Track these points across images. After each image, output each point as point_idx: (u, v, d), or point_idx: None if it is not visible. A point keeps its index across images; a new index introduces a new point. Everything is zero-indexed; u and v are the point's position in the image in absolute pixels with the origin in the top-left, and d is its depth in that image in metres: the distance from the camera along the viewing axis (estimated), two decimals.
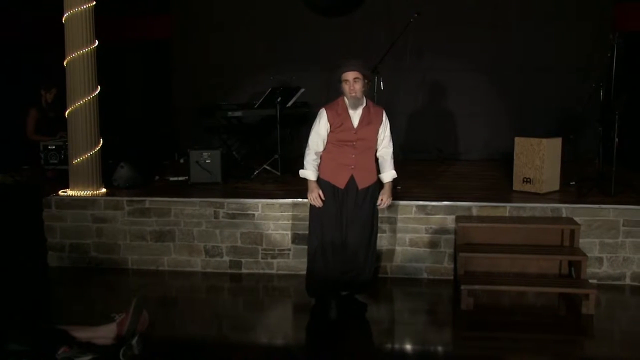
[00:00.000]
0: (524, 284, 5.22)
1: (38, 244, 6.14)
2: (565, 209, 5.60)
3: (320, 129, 4.67)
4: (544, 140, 6.04)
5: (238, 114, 7.55)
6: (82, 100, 6.01)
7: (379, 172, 4.83)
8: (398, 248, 5.75)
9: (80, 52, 5.95)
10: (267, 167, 7.16)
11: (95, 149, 6.16)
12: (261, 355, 4.33)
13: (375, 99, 6.19)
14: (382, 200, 4.74)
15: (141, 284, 5.75)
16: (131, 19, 9.36)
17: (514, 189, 6.27)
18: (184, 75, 9.27)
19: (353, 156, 4.67)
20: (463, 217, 5.60)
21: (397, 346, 4.47)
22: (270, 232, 5.86)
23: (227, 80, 9.00)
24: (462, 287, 4.98)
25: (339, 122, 4.64)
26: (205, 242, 5.94)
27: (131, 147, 7.82)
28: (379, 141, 4.74)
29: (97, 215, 6.04)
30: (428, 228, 5.71)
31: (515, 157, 6.25)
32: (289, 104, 7.28)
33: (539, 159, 6.06)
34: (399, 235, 5.73)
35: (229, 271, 5.93)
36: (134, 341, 3.99)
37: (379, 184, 4.81)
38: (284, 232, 5.83)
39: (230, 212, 5.90)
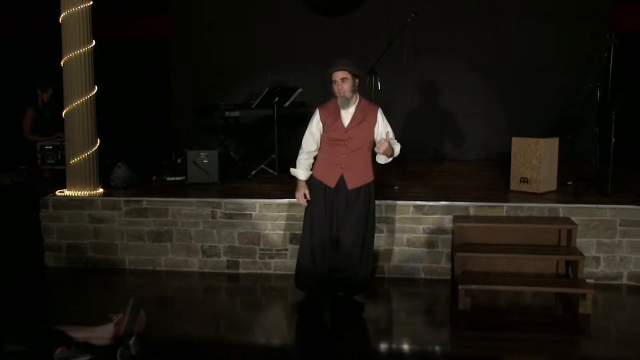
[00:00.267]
0: (521, 284, 5.23)
1: (35, 244, 6.13)
2: (562, 209, 5.61)
3: (313, 128, 4.76)
4: (541, 140, 6.05)
5: (236, 114, 7.55)
6: (79, 100, 6.00)
7: (375, 172, 4.85)
8: (395, 248, 5.75)
9: (77, 52, 5.94)
10: (265, 167, 7.16)
11: (92, 149, 6.15)
12: (259, 355, 4.33)
13: (373, 98, 6.20)
14: (382, 142, 4.61)
15: (138, 284, 5.75)
16: (129, 18, 9.36)
17: (511, 188, 6.28)
18: (182, 75, 9.27)
19: (344, 155, 4.70)
20: (460, 217, 5.61)
21: (394, 346, 4.47)
22: (267, 232, 5.86)
23: (225, 80, 8.99)
24: (460, 287, 4.98)
25: (330, 122, 4.69)
26: (203, 242, 5.94)
27: (128, 147, 7.81)
28: (377, 139, 4.74)
29: (95, 215, 6.04)
30: (425, 228, 5.71)
31: (512, 157, 6.26)
32: (287, 104, 7.28)
33: (536, 158, 6.07)
34: (396, 235, 5.74)
35: (227, 271, 5.93)
36: (131, 341, 3.99)
37: (373, 187, 4.82)
38: (282, 232, 5.84)
39: (227, 212, 5.89)
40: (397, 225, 5.73)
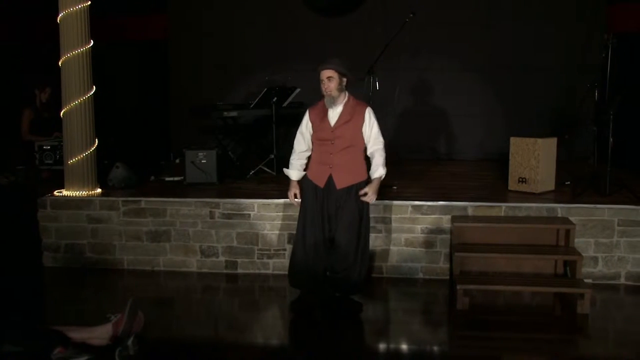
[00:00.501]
0: (520, 284, 5.23)
1: (33, 244, 6.12)
2: (560, 209, 5.61)
3: (303, 129, 4.86)
4: (539, 140, 6.06)
5: (234, 114, 7.54)
6: (77, 101, 6.00)
7: (369, 170, 4.85)
8: (394, 248, 5.75)
9: (75, 51, 5.93)
10: (263, 167, 7.16)
11: (90, 149, 6.14)
12: (257, 356, 4.33)
13: (371, 98, 6.20)
14: (365, 192, 4.73)
15: (137, 284, 5.75)
16: (127, 19, 9.36)
17: (509, 188, 6.29)
18: (180, 75, 9.27)
19: (331, 155, 4.73)
20: (459, 217, 5.61)
21: (392, 346, 4.47)
22: (266, 232, 5.86)
23: (223, 80, 8.99)
24: (458, 286, 4.99)
25: (318, 121, 4.75)
26: (201, 243, 5.94)
27: (127, 148, 7.80)
28: (365, 139, 4.75)
29: (93, 215, 6.03)
30: (424, 228, 5.72)
31: (510, 157, 6.27)
32: (285, 104, 7.28)
33: (534, 158, 6.08)
34: (394, 235, 5.74)
35: (225, 271, 5.93)
36: (129, 342, 4.00)
37: (365, 186, 4.81)
38: (280, 232, 5.83)
39: (226, 212, 5.89)
40: (395, 225, 5.73)
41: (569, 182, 6.53)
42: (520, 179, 6.18)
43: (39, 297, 5.56)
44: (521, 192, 6.15)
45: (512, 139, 6.26)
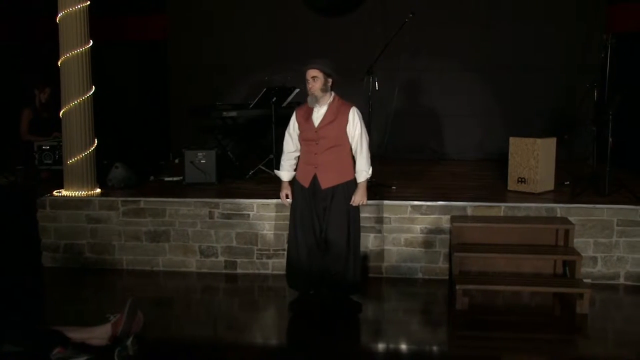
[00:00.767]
0: (519, 284, 5.24)
1: (32, 244, 6.12)
2: (559, 209, 5.61)
3: (290, 129, 4.90)
4: (539, 140, 6.06)
5: (233, 114, 7.54)
6: (76, 101, 5.99)
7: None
8: (393, 248, 5.75)
9: (74, 52, 5.93)
10: (262, 167, 7.16)
11: (89, 149, 6.14)
12: (256, 356, 4.33)
13: (370, 98, 6.21)
14: (353, 199, 4.76)
15: (136, 284, 5.74)
16: (126, 19, 9.35)
17: (508, 188, 6.29)
18: (179, 75, 9.26)
19: (316, 155, 4.75)
20: (458, 217, 5.61)
21: (392, 346, 4.47)
22: (265, 232, 5.86)
23: (222, 80, 8.99)
24: (457, 286, 4.99)
25: (303, 122, 4.78)
26: (200, 243, 5.94)
27: (126, 148, 7.80)
28: (350, 139, 4.76)
29: (92, 215, 6.03)
30: (423, 228, 5.72)
31: (509, 157, 6.27)
32: (285, 104, 7.28)
33: (533, 158, 6.08)
34: (393, 235, 5.74)
35: (224, 271, 5.93)
36: (128, 342, 3.99)
37: (353, 185, 4.81)
38: (279, 232, 5.83)
39: (225, 212, 5.89)
40: (395, 225, 5.73)
41: (568, 182, 6.53)
42: (520, 179, 6.19)
43: (38, 297, 5.56)
44: (520, 192, 6.15)
45: (512, 139, 6.26)
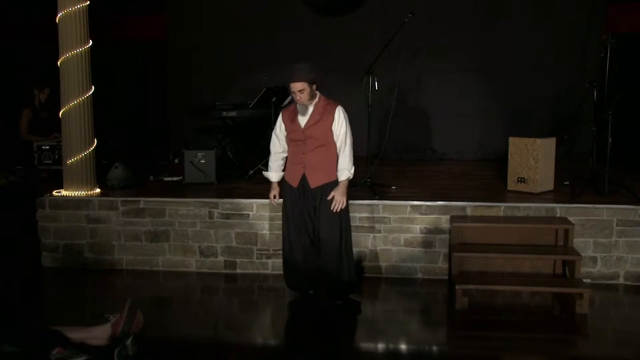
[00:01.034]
0: (519, 284, 5.24)
1: (32, 244, 6.12)
2: (559, 209, 5.61)
3: (277, 131, 4.94)
4: (538, 140, 6.06)
5: (233, 114, 7.54)
6: (76, 101, 5.99)
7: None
8: (393, 248, 5.75)
9: (74, 52, 5.93)
10: (262, 167, 7.14)
11: (89, 149, 6.13)
12: (256, 356, 4.33)
13: (370, 98, 6.21)
14: (332, 196, 4.75)
15: (135, 284, 5.74)
16: (126, 19, 9.35)
17: (508, 188, 6.29)
18: (178, 75, 9.26)
19: (303, 154, 4.78)
20: (457, 217, 5.61)
21: (391, 346, 4.47)
22: (264, 232, 5.86)
23: (222, 80, 8.99)
24: (457, 286, 4.99)
25: (290, 122, 4.80)
26: (200, 243, 5.94)
27: (126, 147, 7.80)
28: (334, 138, 4.77)
29: (92, 215, 6.03)
30: (422, 228, 5.72)
31: (509, 157, 6.27)
32: (284, 103, 7.27)
33: (533, 158, 6.08)
34: (393, 235, 5.74)
35: (224, 271, 5.93)
36: (128, 342, 3.99)
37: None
38: (279, 232, 5.80)
39: (224, 212, 5.89)
40: (394, 225, 5.73)
41: (567, 182, 6.53)
42: (519, 179, 6.19)
43: (37, 297, 5.56)
44: (520, 192, 6.15)
45: (511, 139, 6.26)
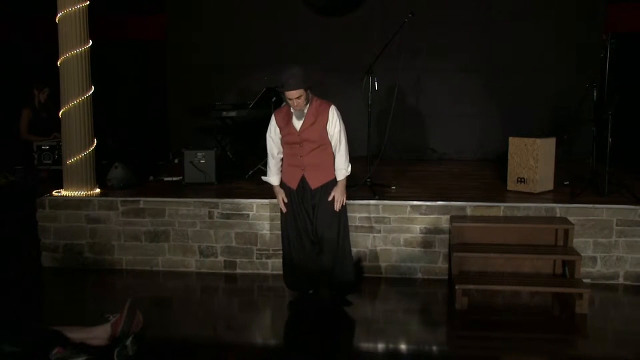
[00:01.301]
0: (518, 284, 5.24)
1: (32, 244, 6.12)
2: (559, 209, 5.61)
3: (271, 133, 4.91)
4: (538, 140, 6.06)
5: (232, 114, 7.54)
6: (76, 101, 5.99)
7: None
8: (392, 248, 5.75)
9: (74, 51, 5.93)
10: (262, 167, 7.14)
11: (89, 149, 6.13)
12: (256, 356, 4.33)
13: (370, 98, 6.21)
14: (332, 197, 4.77)
15: (135, 284, 5.74)
16: (126, 19, 9.35)
17: (508, 188, 6.29)
18: (179, 75, 9.26)
19: (300, 157, 4.77)
20: (457, 217, 5.61)
21: (391, 346, 4.47)
22: (264, 232, 5.86)
23: (222, 80, 8.99)
24: (457, 286, 4.99)
25: (284, 126, 4.78)
26: (200, 243, 5.94)
27: (125, 147, 7.79)
28: (329, 137, 4.77)
29: (91, 215, 6.03)
30: (422, 228, 5.72)
31: (509, 157, 6.27)
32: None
33: (533, 158, 6.08)
34: (393, 235, 5.74)
35: (224, 271, 5.93)
36: (128, 342, 3.99)
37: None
38: (279, 232, 5.80)
39: (224, 212, 5.89)
40: (394, 225, 5.73)
41: (567, 182, 6.53)
42: (519, 179, 6.19)
43: (37, 297, 5.56)
44: (520, 192, 6.15)
45: (511, 139, 6.26)
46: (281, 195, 4.91)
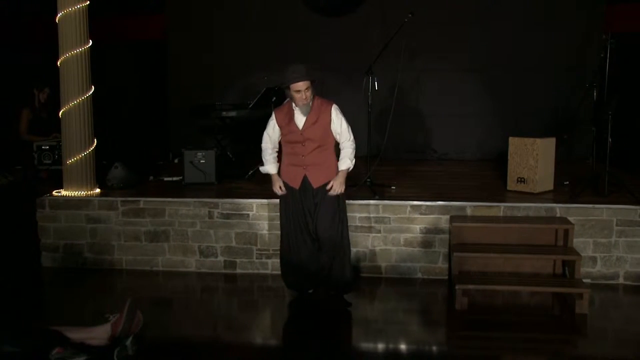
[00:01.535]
0: (518, 284, 5.24)
1: (32, 244, 6.12)
2: (559, 209, 5.61)
3: (269, 130, 4.91)
4: (538, 140, 6.06)
5: (232, 114, 7.54)
6: (75, 101, 5.99)
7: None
8: (392, 248, 5.75)
9: (73, 52, 5.93)
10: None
11: (89, 149, 6.14)
12: (256, 356, 4.33)
13: (370, 98, 6.21)
14: (331, 185, 4.77)
15: (135, 284, 5.74)
16: (126, 19, 9.35)
17: (508, 188, 6.29)
18: (178, 75, 9.26)
19: (303, 156, 4.77)
20: (457, 217, 5.61)
21: (391, 346, 4.47)
22: (264, 232, 5.86)
23: (221, 80, 8.99)
24: (457, 286, 4.99)
25: (286, 124, 4.78)
26: (200, 243, 5.94)
27: (125, 147, 7.79)
28: (336, 137, 4.77)
29: (91, 215, 6.03)
30: (422, 228, 5.72)
31: (509, 157, 6.27)
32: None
33: (532, 158, 6.08)
34: (393, 235, 5.74)
35: (224, 271, 5.93)
36: (128, 342, 3.99)
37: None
38: (278, 232, 5.80)
39: (224, 212, 5.89)
40: (394, 225, 5.73)
41: (567, 182, 6.53)
42: (519, 179, 6.19)
43: (37, 297, 5.56)
44: (520, 192, 6.15)
45: (511, 139, 6.26)
46: (278, 183, 4.90)
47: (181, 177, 6.79)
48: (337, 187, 4.77)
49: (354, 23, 8.84)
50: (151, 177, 7.17)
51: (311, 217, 4.84)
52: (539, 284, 5.28)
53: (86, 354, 3.92)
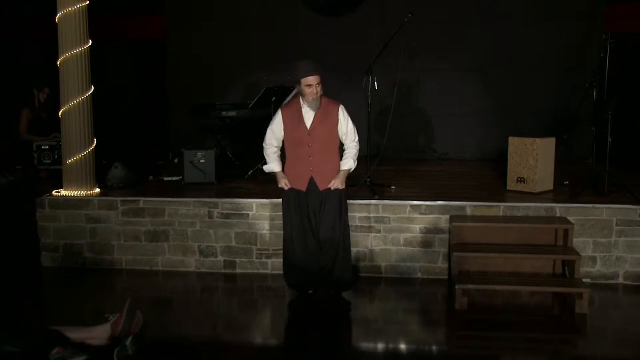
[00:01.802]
0: (518, 284, 5.24)
1: (32, 244, 6.12)
2: (559, 209, 5.61)
3: (274, 127, 4.87)
4: (538, 140, 6.06)
5: (232, 114, 7.54)
6: (75, 101, 5.99)
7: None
8: (392, 248, 5.75)
9: (73, 52, 5.93)
10: (262, 167, 7.14)
11: (89, 149, 6.13)
12: (256, 356, 4.33)
13: (370, 98, 6.21)
14: (333, 183, 4.79)
15: (135, 284, 5.74)
16: (126, 19, 9.35)
17: (508, 188, 6.29)
18: (178, 75, 9.26)
19: (310, 158, 4.76)
20: (457, 217, 5.61)
21: (391, 346, 4.47)
22: (264, 232, 5.86)
23: (221, 80, 8.99)
24: (457, 286, 4.99)
25: (292, 123, 4.76)
26: (200, 243, 5.94)
27: (125, 147, 7.79)
28: (342, 138, 4.77)
29: (91, 215, 6.03)
30: (422, 228, 5.71)
31: (509, 157, 6.27)
32: (284, 103, 7.27)
33: (532, 158, 6.08)
34: (393, 235, 5.74)
35: (224, 271, 5.93)
36: (128, 342, 3.99)
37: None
38: (279, 232, 5.81)
39: (224, 212, 5.89)
40: (394, 225, 5.73)
41: (567, 182, 6.53)
42: (519, 179, 6.18)
43: (37, 297, 5.56)
44: (520, 192, 6.15)
45: (511, 139, 6.26)
46: (284, 180, 4.88)
47: (181, 177, 6.79)
48: (337, 184, 4.80)
49: (354, 23, 8.84)
50: (151, 177, 7.17)
51: (316, 217, 4.84)
52: (539, 284, 5.28)
53: (86, 354, 3.92)
